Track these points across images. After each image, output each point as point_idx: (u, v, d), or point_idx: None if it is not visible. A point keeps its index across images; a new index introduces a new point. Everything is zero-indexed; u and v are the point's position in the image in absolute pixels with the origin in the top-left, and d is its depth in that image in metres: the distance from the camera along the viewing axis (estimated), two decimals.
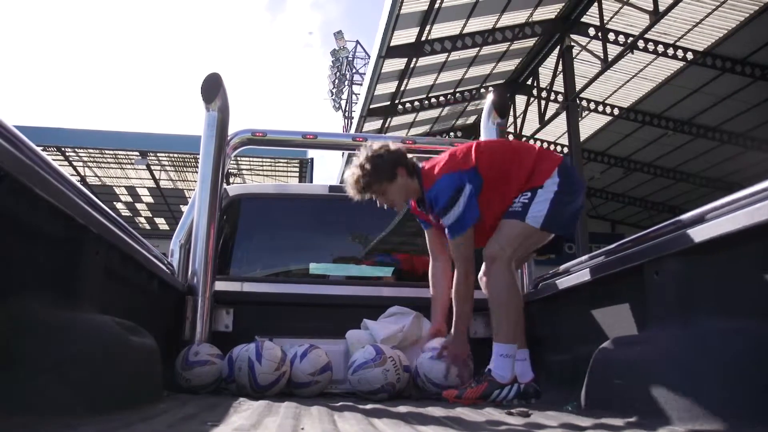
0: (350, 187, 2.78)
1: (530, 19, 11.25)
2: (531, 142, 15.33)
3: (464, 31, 11.01)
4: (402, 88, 12.60)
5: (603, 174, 16.97)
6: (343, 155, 14.54)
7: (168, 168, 17.14)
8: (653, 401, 1.74)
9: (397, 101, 13.05)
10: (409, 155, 2.89)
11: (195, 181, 3.47)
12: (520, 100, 14.07)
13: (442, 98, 13.64)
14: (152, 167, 16.84)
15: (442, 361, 2.75)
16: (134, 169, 16.96)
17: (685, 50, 11.43)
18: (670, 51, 11.43)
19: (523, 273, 3.44)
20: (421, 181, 2.76)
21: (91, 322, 1.67)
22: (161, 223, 22.41)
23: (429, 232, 3.03)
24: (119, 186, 18.78)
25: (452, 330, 2.77)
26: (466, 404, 2.40)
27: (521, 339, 2.71)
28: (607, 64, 10.94)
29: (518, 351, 2.67)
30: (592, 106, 13.83)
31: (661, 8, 9.58)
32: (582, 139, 12.94)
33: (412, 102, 13.40)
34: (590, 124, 14.57)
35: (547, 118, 13.09)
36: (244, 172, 17.25)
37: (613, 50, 10.88)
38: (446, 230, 2.68)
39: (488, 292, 2.60)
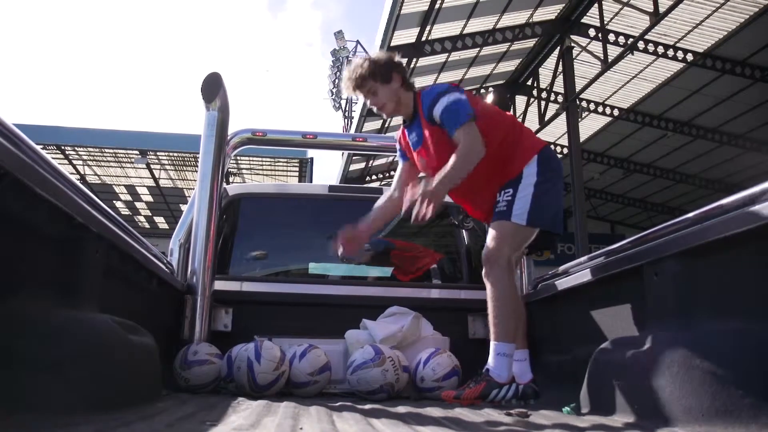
0: (345, 80, 2.78)
1: (530, 20, 11.25)
2: None
3: (464, 32, 11.01)
4: None
5: (603, 175, 16.98)
6: (343, 155, 14.56)
7: (168, 167, 17.14)
8: (653, 402, 1.74)
9: None
10: None
11: (195, 181, 3.48)
12: (520, 100, 14.05)
13: None
14: (152, 166, 16.84)
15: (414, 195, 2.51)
16: (134, 167, 16.96)
17: (685, 51, 11.43)
18: (670, 52, 11.43)
19: (523, 274, 3.44)
20: (416, 99, 2.74)
21: (91, 321, 1.67)
22: (161, 222, 22.41)
23: (404, 165, 2.96)
24: (119, 185, 18.78)
25: (438, 175, 2.53)
26: (464, 404, 2.40)
27: (521, 339, 2.71)
28: (607, 65, 10.95)
29: (518, 351, 2.66)
30: (592, 106, 13.83)
31: (662, 9, 9.58)
32: (582, 139, 12.94)
33: None
34: (590, 125, 14.58)
35: (547, 118, 13.08)
36: (243, 171, 17.25)
37: (613, 51, 10.88)
38: (447, 124, 2.56)
39: (488, 292, 2.60)
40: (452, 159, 2.50)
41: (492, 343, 2.55)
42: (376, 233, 3.54)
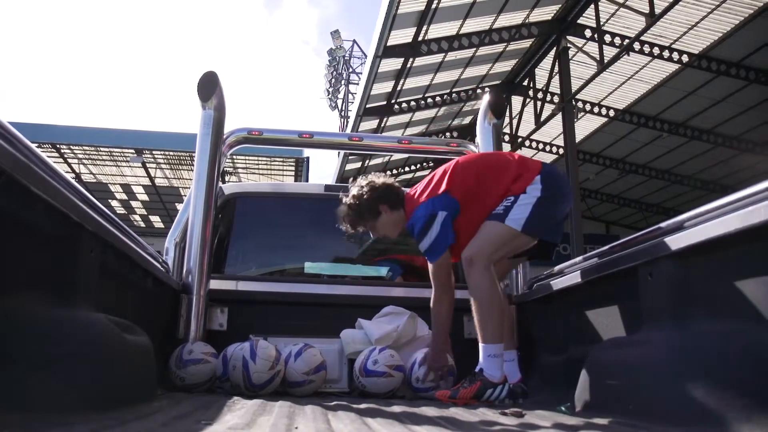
0: (341, 224, 2.97)
1: (527, 21, 11.26)
2: (527, 143, 15.37)
3: (461, 32, 11.01)
4: (398, 88, 12.59)
5: (598, 175, 17.00)
6: (339, 155, 14.55)
7: (163, 166, 17.09)
8: (647, 402, 1.75)
9: (393, 101, 13.04)
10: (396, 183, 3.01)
11: (190, 179, 3.47)
12: (516, 101, 14.07)
13: (438, 98, 13.63)
14: (148, 165, 16.79)
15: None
16: (130, 166, 16.90)
17: (681, 53, 11.46)
18: (666, 53, 11.46)
19: (518, 274, 3.45)
20: (405, 212, 2.87)
21: (86, 320, 1.67)
22: (156, 221, 22.35)
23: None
24: (114, 183, 18.72)
25: (431, 346, 2.93)
26: (459, 404, 2.41)
27: (509, 340, 2.76)
28: (603, 66, 10.96)
29: (506, 352, 2.71)
30: (588, 107, 13.85)
31: (657, 11, 9.61)
32: (577, 140, 12.97)
33: (408, 102, 13.39)
34: (586, 126, 14.60)
35: (542, 119, 13.09)
36: (239, 170, 17.22)
37: (609, 52, 10.90)
38: (425, 255, 2.79)
39: (470, 294, 2.62)
40: (434, 317, 2.90)
41: (480, 345, 2.59)
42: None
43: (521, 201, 2.60)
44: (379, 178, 2.95)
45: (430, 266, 2.81)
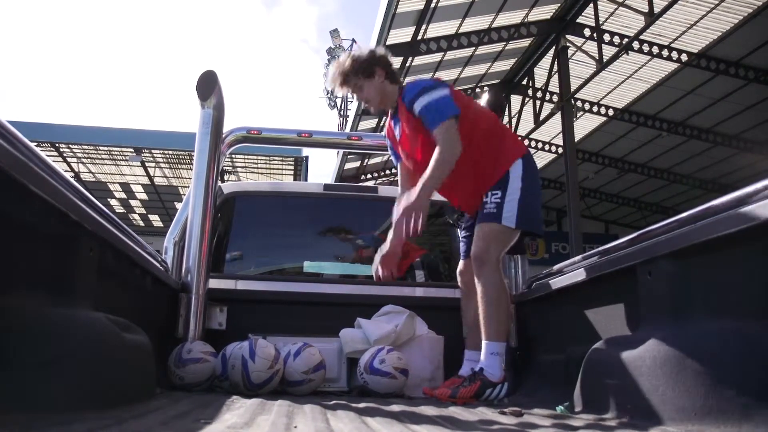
0: (330, 78, 2.86)
1: (526, 20, 11.26)
2: (525, 142, 15.37)
3: (460, 31, 11.02)
4: None
5: (597, 174, 17.01)
6: (338, 154, 14.54)
7: (162, 165, 17.07)
8: (646, 401, 1.75)
9: None
10: None
11: (189, 179, 3.47)
12: (515, 100, 14.08)
13: None
14: (147, 164, 16.77)
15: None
16: (128, 165, 16.87)
17: (680, 52, 11.47)
18: (665, 52, 11.47)
19: (517, 273, 3.45)
20: (399, 90, 2.79)
21: (84, 319, 1.67)
22: (155, 220, 22.33)
23: (399, 167, 3.01)
24: (113, 182, 18.70)
25: (418, 188, 2.54)
26: (459, 403, 2.41)
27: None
28: (602, 65, 10.97)
29: (474, 352, 2.75)
30: (587, 106, 13.86)
31: (656, 10, 9.61)
32: (576, 139, 12.97)
33: None
34: (585, 125, 14.61)
35: (541, 118, 13.11)
36: (238, 169, 17.21)
37: (608, 51, 10.91)
38: (426, 121, 2.60)
39: (479, 292, 2.62)
40: (430, 165, 2.55)
41: (484, 343, 2.58)
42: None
43: (508, 196, 2.64)
44: (381, 50, 2.89)
45: (438, 130, 2.55)
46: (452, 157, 2.54)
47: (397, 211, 2.55)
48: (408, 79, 12.24)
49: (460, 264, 2.95)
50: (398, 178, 3.02)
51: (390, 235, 2.82)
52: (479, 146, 2.67)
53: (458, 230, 3.12)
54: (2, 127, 1.38)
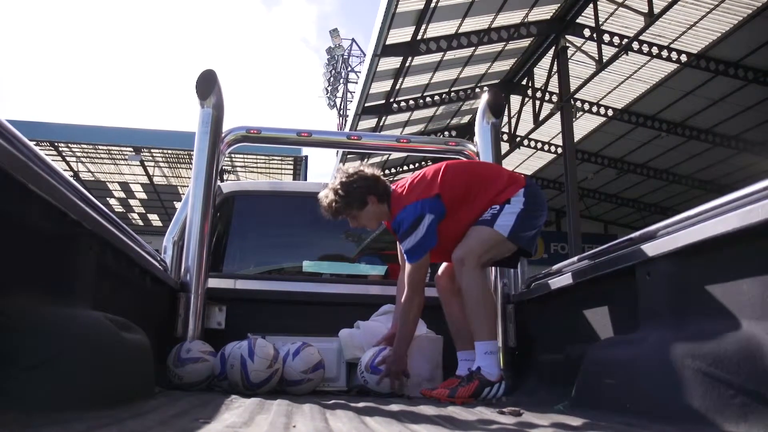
0: (323, 209, 2.92)
1: (525, 20, 11.26)
2: (525, 142, 15.37)
3: (460, 31, 11.02)
4: (397, 87, 12.59)
5: (596, 175, 17.01)
6: (337, 153, 14.54)
7: (162, 164, 17.07)
8: (644, 401, 1.75)
9: (391, 100, 13.05)
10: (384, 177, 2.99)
11: (189, 178, 3.46)
12: (515, 100, 14.08)
13: (437, 97, 13.64)
14: (146, 163, 16.76)
15: (381, 370, 2.87)
16: (128, 165, 16.87)
17: (679, 52, 11.47)
18: (665, 53, 11.47)
19: (516, 273, 3.45)
20: (390, 207, 2.86)
21: (83, 319, 1.67)
22: (154, 219, 22.33)
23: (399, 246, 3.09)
24: (112, 182, 18.69)
25: (393, 350, 2.87)
26: (458, 403, 2.41)
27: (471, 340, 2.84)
28: (601, 66, 10.97)
29: (467, 352, 2.81)
30: (587, 107, 13.85)
31: (656, 10, 9.61)
32: (576, 139, 12.97)
33: (406, 101, 13.39)
34: (584, 125, 14.61)
35: (541, 118, 13.10)
36: (238, 169, 17.21)
37: (608, 51, 10.91)
38: (405, 255, 2.79)
39: (463, 293, 2.68)
40: (399, 324, 2.85)
41: (476, 343, 2.63)
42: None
43: (506, 210, 2.69)
44: (367, 168, 2.93)
45: (407, 266, 2.81)
46: (416, 312, 2.83)
47: (383, 367, 2.86)
48: (408, 81, 12.06)
49: (440, 268, 3.02)
50: (398, 254, 3.09)
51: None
52: (474, 210, 2.74)
53: None
54: (1, 127, 1.38)
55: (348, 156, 14.72)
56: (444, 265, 2.99)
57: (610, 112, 14.00)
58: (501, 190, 2.76)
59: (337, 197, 2.83)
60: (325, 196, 2.88)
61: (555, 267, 2.94)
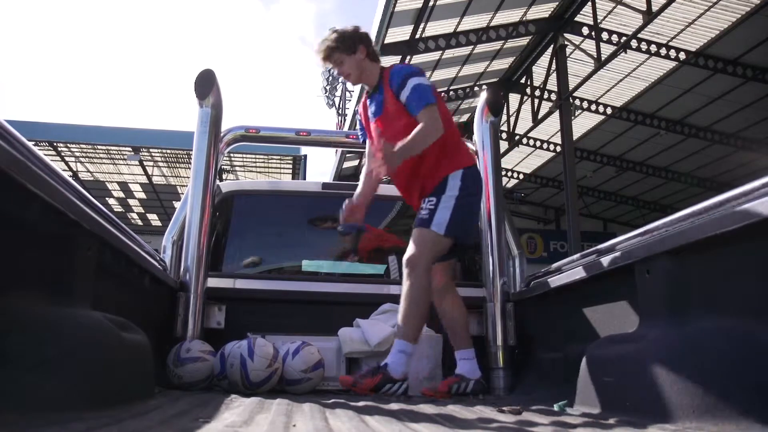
0: (316, 52, 2.93)
1: (524, 18, 11.27)
2: (524, 140, 15.38)
3: (458, 29, 11.02)
4: None
5: (595, 173, 17.04)
6: (336, 153, 14.54)
7: (161, 164, 17.06)
8: (644, 399, 1.75)
9: None
10: None
11: (188, 178, 3.46)
12: (514, 98, 14.09)
13: None
14: (145, 163, 16.76)
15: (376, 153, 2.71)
16: (127, 164, 16.86)
17: (678, 50, 11.48)
18: (663, 51, 11.48)
19: (515, 271, 3.45)
20: (381, 73, 2.89)
21: (83, 318, 1.66)
22: (153, 219, 22.32)
23: (368, 145, 3.12)
24: (111, 182, 18.69)
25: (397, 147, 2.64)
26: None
27: (466, 339, 2.91)
28: (600, 64, 10.98)
29: (465, 351, 2.87)
30: (585, 105, 13.87)
31: (654, 8, 9.62)
32: (575, 137, 12.99)
33: None
34: (583, 123, 14.63)
35: (540, 116, 13.12)
36: (237, 168, 17.20)
37: (607, 49, 10.92)
38: (411, 105, 2.71)
39: (404, 292, 2.70)
40: (413, 133, 2.67)
41: (396, 340, 2.68)
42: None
43: (442, 204, 2.73)
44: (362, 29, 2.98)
45: (425, 112, 2.68)
46: (433, 135, 2.68)
47: (368, 167, 2.75)
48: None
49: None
50: (365, 156, 3.16)
51: (359, 186, 3.06)
52: (441, 143, 2.76)
53: None
54: (0, 127, 1.37)
55: (347, 155, 14.72)
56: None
57: (608, 110, 14.01)
58: (453, 149, 2.82)
59: (331, 39, 2.86)
60: (320, 41, 2.91)
61: (554, 265, 2.94)
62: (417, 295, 2.66)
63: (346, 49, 2.85)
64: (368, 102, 2.97)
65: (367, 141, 3.09)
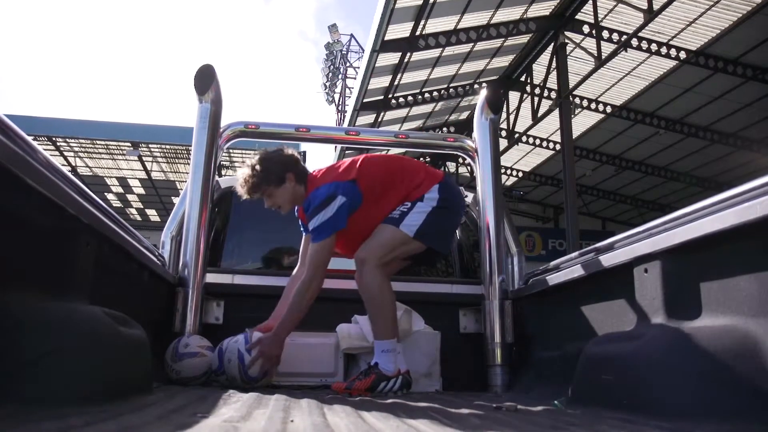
0: (240, 186, 2.89)
1: (525, 16, 11.26)
2: (524, 138, 15.38)
3: (458, 27, 11.01)
4: (395, 83, 12.59)
5: (594, 171, 17.04)
6: (335, 149, 14.54)
7: (160, 159, 17.06)
8: (641, 397, 1.76)
9: (390, 96, 13.05)
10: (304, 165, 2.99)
11: (187, 173, 3.45)
12: (514, 96, 14.08)
13: (435, 93, 13.65)
14: (144, 158, 16.75)
15: (252, 352, 2.70)
16: (126, 160, 16.87)
17: (678, 49, 11.48)
18: (664, 50, 11.47)
19: (514, 269, 3.46)
20: (306, 188, 2.87)
21: (81, 313, 1.66)
22: (152, 214, 22.32)
23: (305, 238, 3.13)
24: (110, 177, 18.68)
25: (274, 330, 2.76)
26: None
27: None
28: (600, 62, 10.97)
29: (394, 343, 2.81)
30: (585, 103, 13.86)
31: (655, 7, 9.61)
32: (574, 136, 12.98)
33: (405, 97, 13.40)
34: (583, 122, 14.62)
35: (540, 114, 13.11)
36: (236, 164, 17.19)
37: (607, 48, 10.91)
38: (311, 233, 2.77)
39: (362, 293, 2.71)
40: (288, 307, 2.73)
41: (375, 342, 2.71)
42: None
43: (417, 209, 2.73)
44: (287, 149, 2.94)
45: (311, 246, 2.77)
46: (312, 292, 2.71)
47: (257, 349, 2.68)
48: (407, 77, 12.13)
49: None
50: (301, 247, 3.16)
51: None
52: (390, 201, 2.78)
53: None
54: (0, 121, 1.37)
55: (347, 152, 14.71)
56: None
57: (608, 109, 14.01)
58: (417, 186, 2.79)
59: (254, 173, 2.81)
60: (243, 174, 2.85)
61: (553, 263, 2.94)
62: (373, 294, 2.67)
63: (274, 181, 2.81)
64: (303, 210, 2.90)
65: (305, 236, 3.09)
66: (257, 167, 2.81)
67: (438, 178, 2.85)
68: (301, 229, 3.15)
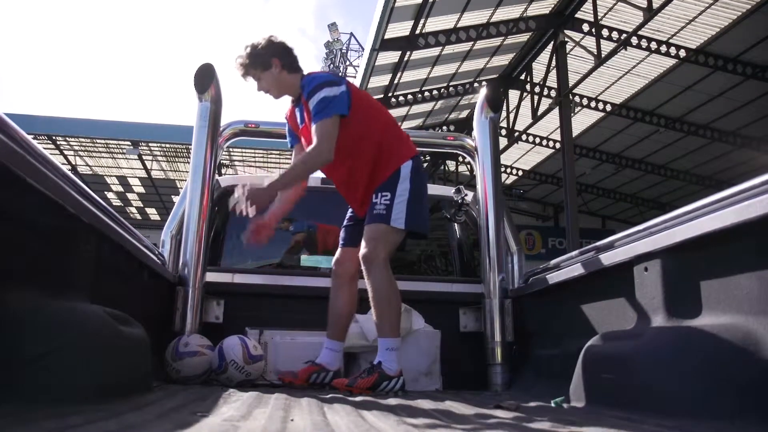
0: (234, 68, 2.89)
1: (524, 14, 11.25)
2: (523, 137, 15.37)
3: (458, 25, 11.00)
4: (395, 81, 12.58)
5: (594, 170, 17.03)
6: None
7: (160, 158, 17.06)
8: (641, 396, 1.76)
9: (390, 94, 13.04)
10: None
11: (187, 172, 3.44)
12: (513, 94, 14.07)
13: (435, 92, 13.64)
14: (144, 157, 16.75)
15: (242, 192, 2.61)
16: (126, 158, 16.87)
17: (678, 48, 11.47)
18: (663, 48, 11.46)
19: (514, 268, 3.46)
20: (300, 79, 2.84)
21: (82, 312, 1.67)
22: (152, 213, 22.32)
23: (295, 148, 3.10)
24: (110, 176, 18.68)
25: (272, 180, 2.69)
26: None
27: (342, 333, 2.91)
28: (600, 60, 10.96)
29: (336, 342, 2.88)
30: (585, 101, 13.85)
31: (655, 5, 9.59)
32: (574, 134, 12.97)
33: (405, 95, 13.39)
34: (582, 120, 14.61)
35: (539, 113, 13.10)
36: (236, 163, 17.20)
37: (607, 46, 10.89)
38: (313, 115, 2.69)
39: (371, 291, 2.70)
40: (297, 161, 2.72)
41: (380, 339, 2.70)
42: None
43: (397, 198, 2.73)
44: (279, 38, 2.90)
45: (318, 125, 2.66)
46: (317, 164, 2.68)
47: (243, 190, 2.61)
48: (406, 75, 12.13)
49: (338, 253, 2.97)
50: (291, 158, 3.13)
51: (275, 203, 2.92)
52: (377, 142, 2.77)
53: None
54: None
55: None
56: (340, 252, 2.96)
57: (608, 107, 14.00)
58: (391, 151, 2.79)
59: (244, 56, 2.82)
60: (236, 57, 2.86)
61: (553, 262, 2.94)
62: (384, 292, 2.67)
63: (260, 65, 2.81)
64: (295, 110, 2.94)
65: (295, 146, 3.06)
66: (248, 49, 2.82)
67: (414, 152, 2.86)
68: (288, 138, 3.10)
